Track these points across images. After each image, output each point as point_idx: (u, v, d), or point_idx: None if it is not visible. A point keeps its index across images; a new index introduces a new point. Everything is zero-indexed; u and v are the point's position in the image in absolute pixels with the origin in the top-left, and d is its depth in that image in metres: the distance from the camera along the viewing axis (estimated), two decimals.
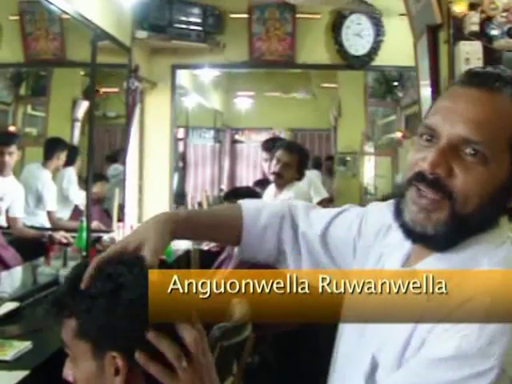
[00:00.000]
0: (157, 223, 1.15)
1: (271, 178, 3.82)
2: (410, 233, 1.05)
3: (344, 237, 1.26)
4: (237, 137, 8.89)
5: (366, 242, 1.23)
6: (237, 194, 3.38)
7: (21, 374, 1.93)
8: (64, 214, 4.30)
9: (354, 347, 1.12)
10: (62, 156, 4.20)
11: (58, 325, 1.09)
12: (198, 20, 4.79)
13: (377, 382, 1.03)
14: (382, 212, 1.23)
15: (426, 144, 1.03)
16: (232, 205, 1.35)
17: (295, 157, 3.80)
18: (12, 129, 4.25)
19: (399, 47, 4.23)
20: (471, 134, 0.98)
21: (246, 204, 1.33)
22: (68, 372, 1.10)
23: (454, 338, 0.91)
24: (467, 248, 1.03)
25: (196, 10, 4.78)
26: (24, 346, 2.16)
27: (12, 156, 3.61)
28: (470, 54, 2.87)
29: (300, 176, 3.87)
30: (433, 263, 1.04)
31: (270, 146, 4.31)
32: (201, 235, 1.29)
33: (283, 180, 3.78)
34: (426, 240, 1.03)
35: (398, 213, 1.07)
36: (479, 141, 0.97)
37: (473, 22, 2.86)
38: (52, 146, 4.22)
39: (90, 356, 1.04)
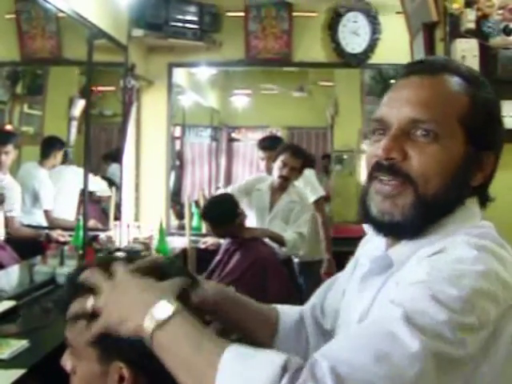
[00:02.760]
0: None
1: (277, 180, 3.87)
2: (379, 226, 1.06)
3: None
4: (233, 135, 8.87)
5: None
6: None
7: (17, 373, 1.93)
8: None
9: (354, 295, 1.15)
10: (59, 155, 4.20)
11: (61, 322, 1.10)
12: (195, 18, 4.79)
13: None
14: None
15: (380, 138, 1.06)
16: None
17: (300, 161, 3.91)
18: (9, 128, 4.23)
19: (396, 45, 4.23)
20: (418, 113, 1.01)
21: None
22: (66, 361, 1.12)
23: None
24: (435, 232, 1.03)
25: (192, 9, 4.78)
26: (21, 344, 2.17)
27: (8, 155, 3.61)
28: (466, 51, 2.88)
29: (298, 177, 3.99)
30: (401, 247, 1.06)
31: (266, 144, 4.32)
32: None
33: (287, 183, 3.91)
34: (396, 229, 1.04)
35: (365, 211, 1.08)
36: (427, 119, 1.00)
37: (469, 19, 2.87)
38: (48, 145, 4.22)
39: (96, 360, 1.05)
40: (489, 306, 0.88)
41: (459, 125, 1.02)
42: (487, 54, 2.91)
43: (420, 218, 1.02)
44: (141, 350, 0.97)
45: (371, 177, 1.06)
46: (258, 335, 1.27)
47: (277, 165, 3.87)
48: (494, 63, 2.91)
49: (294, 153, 3.90)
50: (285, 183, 3.89)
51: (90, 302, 1.03)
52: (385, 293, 1.02)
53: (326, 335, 1.28)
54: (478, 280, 0.88)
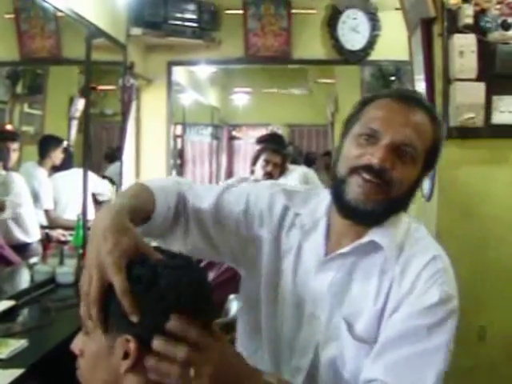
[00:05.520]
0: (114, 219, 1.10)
1: (262, 179, 3.87)
2: (351, 210, 1.30)
3: (234, 211, 1.44)
4: (234, 133, 8.89)
5: (260, 219, 1.44)
6: None
7: (16, 372, 1.93)
8: None
9: (313, 265, 1.38)
10: (58, 153, 4.20)
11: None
12: (194, 16, 4.79)
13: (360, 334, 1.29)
14: (270, 194, 1.46)
15: (365, 142, 1.30)
16: (142, 186, 1.34)
17: (281, 157, 4.04)
18: (9, 127, 4.24)
19: (395, 41, 4.21)
20: (412, 139, 1.29)
21: (154, 187, 1.35)
22: (76, 344, 1.12)
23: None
24: (393, 220, 1.35)
25: (191, 7, 4.78)
26: (20, 344, 2.16)
27: (15, 153, 3.66)
28: (465, 46, 2.86)
29: (283, 171, 4.11)
30: (380, 234, 1.32)
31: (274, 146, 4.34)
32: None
33: (273, 179, 3.89)
34: (365, 216, 1.29)
35: (339, 194, 1.31)
36: (417, 145, 1.29)
37: (467, 14, 2.85)
38: (45, 144, 4.21)
39: (104, 334, 1.05)
40: None
41: (424, 155, 1.32)
42: (485, 49, 2.89)
43: (386, 212, 1.32)
44: (153, 325, 0.99)
45: (355, 171, 1.29)
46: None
47: (259, 164, 3.97)
48: (493, 58, 2.89)
49: (274, 150, 4.03)
50: (271, 180, 3.88)
51: (182, 353, 0.98)
52: (396, 291, 1.28)
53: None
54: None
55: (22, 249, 3.47)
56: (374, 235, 1.32)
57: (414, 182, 1.33)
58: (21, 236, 3.47)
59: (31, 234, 3.55)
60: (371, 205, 1.28)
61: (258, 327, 1.43)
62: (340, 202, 1.32)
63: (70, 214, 4.09)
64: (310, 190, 1.53)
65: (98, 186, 4.37)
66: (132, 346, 1.02)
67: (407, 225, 1.38)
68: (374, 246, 1.32)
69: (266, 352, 1.41)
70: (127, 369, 1.03)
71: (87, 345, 1.09)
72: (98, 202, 4.39)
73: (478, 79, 2.88)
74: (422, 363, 1.20)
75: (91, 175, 4.09)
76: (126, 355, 1.03)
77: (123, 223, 1.09)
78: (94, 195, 4.19)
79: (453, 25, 2.90)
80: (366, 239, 1.32)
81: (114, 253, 1.02)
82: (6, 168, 3.58)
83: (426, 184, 3.24)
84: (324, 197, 1.42)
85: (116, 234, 1.05)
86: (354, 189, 1.28)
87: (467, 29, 2.88)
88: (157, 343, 0.98)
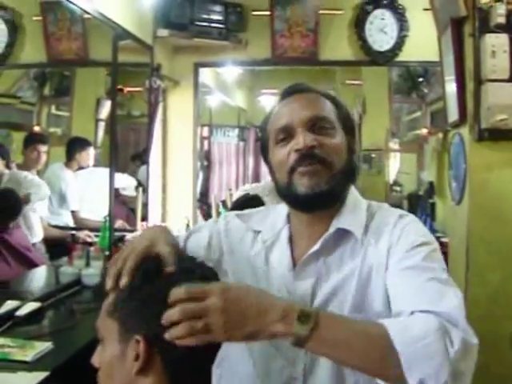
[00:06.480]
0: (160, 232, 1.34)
1: None
2: (311, 199, 1.32)
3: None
4: None
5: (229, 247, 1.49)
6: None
7: (40, 375, 1.92)
8: None
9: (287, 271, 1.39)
10: (84, 155, 4.22)
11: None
12: (220, 17, 4.77)
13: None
14: (224, 223, 1.52)
15: (284, 143, 1.36)
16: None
17: None
18: (37, 129, 4.27)
19: (424, 42, 4.16)
20: (318, 112, 1.36)
21: None
22: (96, 359, 1.16)
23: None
24: (347, 202, 1.39)
25: (218, 8, 4.76)
26: (45, 346, 2.15)
27: (44, 155, 3.70)
28: (497, 46, 2.80)
29: None
30: (345, 219, 1.36)
31: None
32: None
33: None
34: (325, 197, 1.32)
35: (292, 197, 1.35)
36: (323, 115, 1.36)
37: (499, 13, 2.79)
38: (72, 146, 4.24)
39: (117, 339, 1.10)
40: None
41: (338, 121, 1.39)
42: None
43: (339, 185, 1.35)
44: (159, 322, 1.03)
45: (292, 170, 1.33)
46: None
47: None
48: None
49: None
50: None
51: (201, 324, 1.03)
52: (376, 258, 1.30)
53: None
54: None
55: None
56: (338, 223, 1.35)
57: (348, 150, 1.38)
58: (28, 235, 3.48)
59: (36, 234, 3.56)
60: (322, 185, 1.31)
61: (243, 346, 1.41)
62: (295, 202, 1.37)
63: (89, 211, 4.16)
64: (268, 207, 1.61)
65: (121, 180, 4.37)
66: (141, 346, 1.05)
67: (366, 205, 1.42)
68: (341, 234, 1.35)
69: (256, 366, 1.39)
70: (138, 370, 1.06)
71: (103, 355, 1.13)
72: (120, 201, 4.41)
73: (511, 80, 2.82)
74: (440, 287, 1.18)
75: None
76: (136, 357, 1.06)
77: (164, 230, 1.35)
78: (117, 190, 4.19)
79: (484, 24, 2.84)
80: (331, 229, 1.35)
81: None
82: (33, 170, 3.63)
83: (454, 186, 3.18)
84: (281, 208, 1.47)
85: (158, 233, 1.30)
86: (300, 181, 1.32)
87: (499, 28, 2.82)
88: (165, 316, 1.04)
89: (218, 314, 1.03)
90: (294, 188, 1.33)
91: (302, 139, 1.32)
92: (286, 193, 1.37)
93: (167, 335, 1.02)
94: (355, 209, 1.39)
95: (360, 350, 1.07)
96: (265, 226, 1.47)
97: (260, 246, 1.44)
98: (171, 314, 1.03)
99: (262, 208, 1.59)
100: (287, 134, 1.35)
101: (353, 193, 1.43)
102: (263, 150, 1.46)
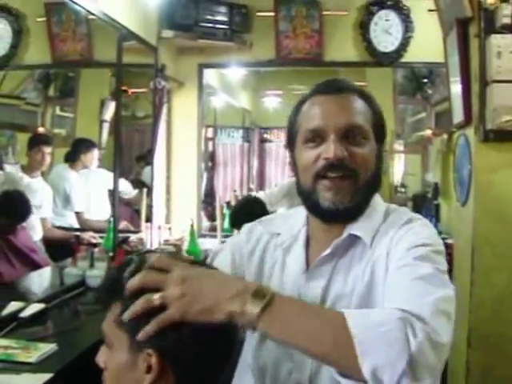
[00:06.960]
0: None
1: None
2: (333, 214, 1.33)
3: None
4: (265, 136, 8.84)
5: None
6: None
7: (45, 377, 1.91)
8: None
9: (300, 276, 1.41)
10: (89, 156, 4.22)
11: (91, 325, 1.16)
12: (225, 19, 4.76)
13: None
14: (247, 231, 1.55)
15: (314, 145, 1.34)
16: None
17: None
18: (41, 130, 4.27)
19: (428, 43, 4.16)
20: (353, 120, 1.33)
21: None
22: (101, 357, 1.15)
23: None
24: (368, 210, 1.38)
25: (222, 9, 4.75)
26: (49, 348, 2.14)
27: (49, 156, 3.70)
28: (502, 47, 2.79)
29: None
30: (358, 226, 1.36)
31: None
32: None
33: None
34: (348, 213, 1.34)
35: (314, 205, 1.36)
36: (359, 124, 1.33)
37: (505, 14, 2.78)
38: (76, 147, 4.24)
39: (126, 348, 1.08)
40: None
41: (372, 131, 1.37)
42: None
43: (362, 201, 1.36)
44: (172, 336, 1.03)
45: (318, 176, 1.33)
46: None
47: None
48: None
49: None
50: None
51: (156, 296, 1.05)
52: (378, 260, 1.30)
53: None
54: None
55: None
56: (350, 229, 1.35)
57: (376, 159, 1.38)
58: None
59: (36, 233, 3.55)
60: (347, 200, 1.32)
61: (250, 349, 1.43)
62: (317, 211, 1.37)
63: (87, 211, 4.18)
64: (290, 210, 1.62)
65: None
66: (154, 359, 1.04)
67: (384, 207, 1.42)
68: (353, 239, 1.35)
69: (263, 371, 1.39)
70: (151, 382, 1.05)
71: (110, 359, 1.11)
72: (125, 202, 4.41)
73: None
74: (422, 286, 1.14)
75: (108, 174, 4.10)
76: (148, 369, 1.05)
77: None
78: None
79: (490, 25, 2.83)
80: (344, 235, 1.35)
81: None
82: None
83: (459, 187, 3.17)
84: (302, 210, 1.48)
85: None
86: (325, 195, 1.33)
87: (505, 29, 2.81)
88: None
89: (175, 286, 1.05)
90: (317, 198, 1.34)
91: (332, 148, 1.30)
92: (307, 197, 1.38)
93: (140, 335, 1.04)
94: (372, 213, 1.38)
95: (312, 332, 1.05)
96: (284, 228, 1.49)
97: (277, 248, 1.47)
98: (133, 280, 1.07)
99: (284, 211, 1.66)
100: (318, 136, 1.34)
101: (374, 197, 1.42)
102: (289, 143, 1.45)
